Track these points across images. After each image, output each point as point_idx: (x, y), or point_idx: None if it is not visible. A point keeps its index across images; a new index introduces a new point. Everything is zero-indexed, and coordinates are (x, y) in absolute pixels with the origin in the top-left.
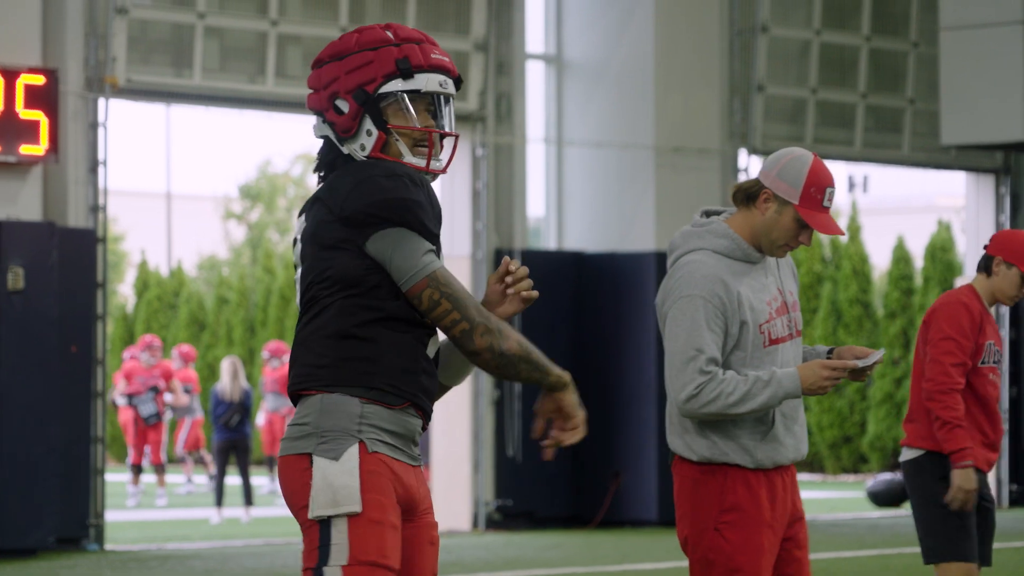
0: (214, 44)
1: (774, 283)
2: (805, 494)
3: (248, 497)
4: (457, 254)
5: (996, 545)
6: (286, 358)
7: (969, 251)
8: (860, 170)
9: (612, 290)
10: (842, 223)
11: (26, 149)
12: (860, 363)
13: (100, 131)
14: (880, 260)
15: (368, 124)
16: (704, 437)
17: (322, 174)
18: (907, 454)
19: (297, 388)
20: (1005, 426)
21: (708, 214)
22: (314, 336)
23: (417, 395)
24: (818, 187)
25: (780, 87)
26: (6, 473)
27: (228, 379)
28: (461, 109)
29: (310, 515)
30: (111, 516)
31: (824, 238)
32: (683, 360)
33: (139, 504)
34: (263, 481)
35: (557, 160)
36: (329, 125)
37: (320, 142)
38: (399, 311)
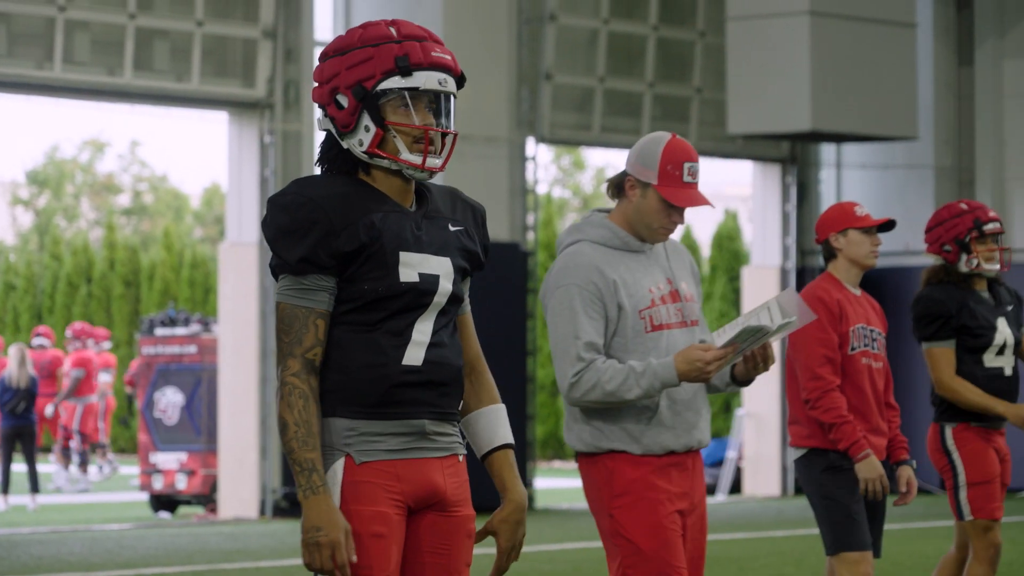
0: (1, 29)
1: (662, 273)
2: None
3: (34, 484)
4: (246, 241)
5: None
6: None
7: (755, 240)
8: None
9: None
10: None
11: None
12: (725, 338)
13: None
14: None
15: (366, 120)
16: (590, 425)
17: (324, 167)
18: (794, 454)
19: None
20: None
21: (600, 212)
22: None
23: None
24: (674, 164)
25: (568, 76)
26: None
27: (15, 366)
28: (247, 96)
29: None
30: None
31: None
32: (563, 349)
33: None
34: (50, 468)
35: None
36: (330, 119)
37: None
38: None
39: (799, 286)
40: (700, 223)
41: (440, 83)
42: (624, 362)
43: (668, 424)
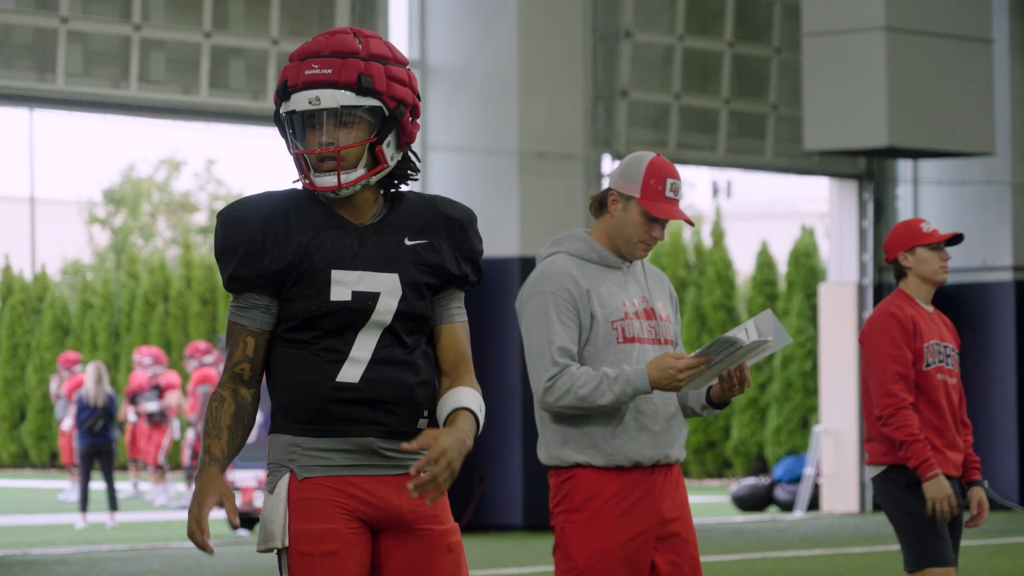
0: (77, 48)
1: (639, 290)
2: None
3: (113, 502)
4: None
5: None
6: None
7: (832, 256)
8: (724, 175)
9: (476, 295)
10: (706, 228)
11: None
12: (701, 350)
13: None
14: (744, 265)
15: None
16: (557, 436)
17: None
18: (871, 472)
19: None
20: None
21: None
22: None
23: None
24: (657, 178)
25: (644, 92)
26: None
27: (92, 384)
28: None
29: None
30: None
31: (688, 242)
32: (537, 354)
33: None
34: (126, 486)
35: (421, 165)
36: None
37: None
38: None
39: (875, 302)
40: (777, 239)
41: (310, 102)
42: (597, 370)
43: (633, 435)
